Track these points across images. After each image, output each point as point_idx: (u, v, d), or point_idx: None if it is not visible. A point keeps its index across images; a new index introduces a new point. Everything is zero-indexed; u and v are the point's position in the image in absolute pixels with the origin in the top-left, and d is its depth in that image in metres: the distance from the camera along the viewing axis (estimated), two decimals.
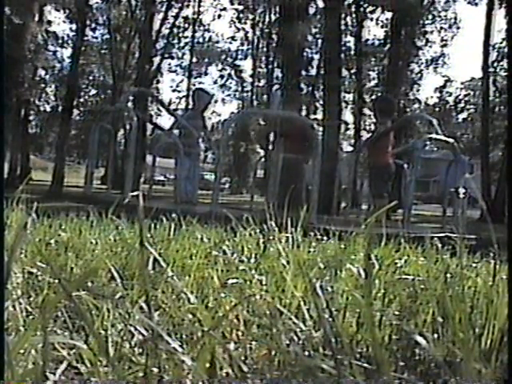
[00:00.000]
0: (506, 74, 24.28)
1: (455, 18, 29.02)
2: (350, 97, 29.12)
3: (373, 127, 30.40)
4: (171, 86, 36.17)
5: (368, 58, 27.53)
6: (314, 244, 1.92)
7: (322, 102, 19.95)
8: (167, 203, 5.51)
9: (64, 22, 36.79)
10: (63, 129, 21.55)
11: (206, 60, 36.20)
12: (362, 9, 24.63)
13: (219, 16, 35.11)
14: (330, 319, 0.86)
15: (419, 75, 28.97)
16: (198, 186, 6.17)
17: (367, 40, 27.24)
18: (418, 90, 29.24)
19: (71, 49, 25.16)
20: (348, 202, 6.79)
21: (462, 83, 38.44)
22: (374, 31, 53.85)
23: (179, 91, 36.80)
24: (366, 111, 27.04)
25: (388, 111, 6.11)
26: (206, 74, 37.27)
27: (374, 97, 22.84)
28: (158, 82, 28.95)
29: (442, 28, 28.79)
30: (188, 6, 29.49)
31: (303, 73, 21.60)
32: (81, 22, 22.43)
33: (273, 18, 27.64)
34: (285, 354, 0.81)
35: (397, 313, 1.10)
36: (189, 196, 5.74)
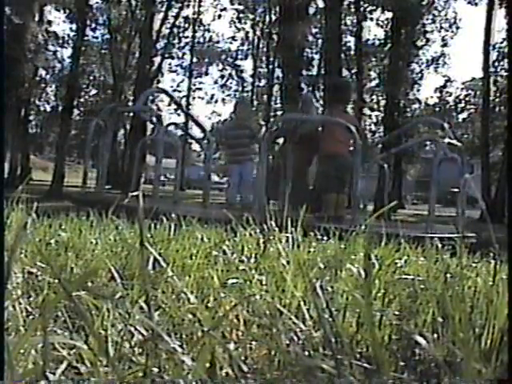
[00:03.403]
0: (506, 73, 24.29)
1: (455, 18, 29.06)
2: None
3: (373, 127, 30.46)
4: (171, 86, 36.07)
5: (368, 58, 27.55)
6: (314, 244, 1.92)
7: (322, 102, 19.96)
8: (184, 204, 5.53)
9: (64, 21, 36.92)
10: (63, 129, 21.57)
11: (207, 60, 36.22)
12: (361, 9, 24.65)
13: (219, 16, 35.14)
14: (330, 319, 0.86)
15: (419, 75, 28.99)
16: (250, 191, 6.35)
17: (367, 40, 27.30)
18: (418, 90, 29.28)
19: (71, 49, 25.22)
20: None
21: (462, 83, 38.46)
22: (374, 31, 53.80)
23: (179, 91, 36.80)
24: (366, 111, 27.03)
25: (343, 97, 5.48)
26: (206, 73, 37.30)
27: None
28: (158, 82, 28.97)
29: (441, 28, 28.81)
30: (188, 5, 29.55)
31: (303, 73, 21.62)
32: (81, 22, 22.46)
33: (273, 17, 27.66)
34: (285, 354, 0.81)
35: (397, 313, 1.10)
36: (242, 200, 5.96)
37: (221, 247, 1.66)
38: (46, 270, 1.24)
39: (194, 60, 34.46)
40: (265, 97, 31.20)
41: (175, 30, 29.54)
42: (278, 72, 25.77)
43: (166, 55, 29.29)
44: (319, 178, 5.42)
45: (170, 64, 34.65)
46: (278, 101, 26.44)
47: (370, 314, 0.68)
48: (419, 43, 26.56)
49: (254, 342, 0.92)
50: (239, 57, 35.90)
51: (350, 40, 26.41)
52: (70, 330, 0.95)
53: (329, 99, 5.60)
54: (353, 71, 26.59)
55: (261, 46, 32.80)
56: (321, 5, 20.96)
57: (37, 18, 23.15)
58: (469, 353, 0.71)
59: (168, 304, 1.04)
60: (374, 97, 30.18)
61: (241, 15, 32.73)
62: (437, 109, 36.85)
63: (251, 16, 32.45)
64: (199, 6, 31.40)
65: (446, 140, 4.66)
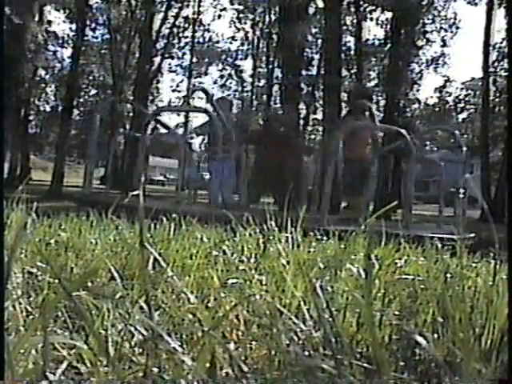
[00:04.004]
0: (506, 73, 24.26)
1: (455, 18, 29.00)
2: None
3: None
4: (171, 86, 36.12)
5: (368, 58, 27.51)
6: (314, 244, 1.92)
7: (321, 102, 19.96)
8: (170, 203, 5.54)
9: (64, 22, 36.72)
10: (63, 129, 21.56)
11: (206, 60, 36.15)
12: (361, 9, 24.60)
13: (219, 16, 35.08)
14: (330, 319, 0.86)
15: (419, 75, 28.95)
16: (233, 190, 6.30)
17: (367, 40, 27.23)
18: (418, 90, 29.23)
19: (71, 49, 25.17)
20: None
21: (462, 83, 38.44)
22: (374, 31, 53.73)
23: (179, 91, 36.75)
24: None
25: (366, 104, 5.76)
26: (206, 73, 37.22)
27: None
28: (158, 82, 28.97)
29: (442, 28, 28.75)
30: (188, 5, 29.50)
31: (303, 73, 21.62)
32: (81, 22, 22.45)
33: (273, 18, 27.64)
34: (285, 354, 0.81)
35: (397, 313, 1.10)
36: (224, 199, 5.93)
37: (221, 247, 1.66)
38: (46, 270, 1.24)
39: (194, 60, 34.40)
40: (264, 97, 31.17)
41: (175, 30, 29.50)
42: (278, 72, 25.75)
43: (166, 55, 29.26)
44: (347, 182, 5.56)
45: (169, 64, 34.62)
46: (278, 101, 26.45)
47: (370, 314, 0.68)
48: (419, 43, 26.51)
49: (254, 342, 0.91)
50: (239, 57, 35.84)
51: (350, 40, 26.36)
52: (70, 330, 0.95)
53: (354, 106, 5.89)
54: (353, 71, 26.56)
55: (261, 46, 32.76)
56: (321, 5, 20.94)
57: (37, 18, 23.13)
58: (469, 353, 0.71)
59: (168, 304, 1.04)
60: (373, 97, 30.15)
61: (241, 15, 32.68)
62: (436, 109, 36.84)
63: (251, 16, 32.40)
64: (199, 5, 31.34)
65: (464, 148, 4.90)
